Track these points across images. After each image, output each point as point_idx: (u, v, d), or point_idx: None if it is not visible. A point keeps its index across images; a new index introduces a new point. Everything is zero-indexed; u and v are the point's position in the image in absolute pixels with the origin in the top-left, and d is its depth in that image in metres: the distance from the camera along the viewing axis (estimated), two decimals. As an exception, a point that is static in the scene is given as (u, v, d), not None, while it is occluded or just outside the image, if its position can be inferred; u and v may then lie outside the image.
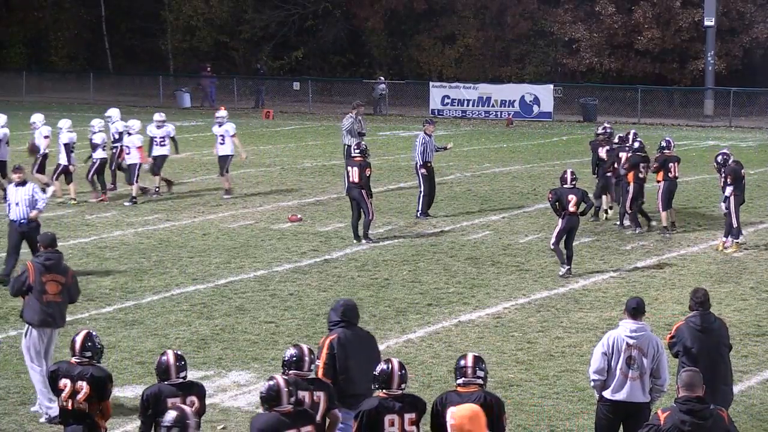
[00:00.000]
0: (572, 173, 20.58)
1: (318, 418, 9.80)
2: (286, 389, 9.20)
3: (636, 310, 11.37)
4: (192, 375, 14.66)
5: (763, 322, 17.53)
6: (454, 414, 9.00)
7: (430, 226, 24.91)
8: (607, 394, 11.23)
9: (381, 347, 15.86)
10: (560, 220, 20.31)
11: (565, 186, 20.33)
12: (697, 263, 21.56)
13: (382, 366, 9.69)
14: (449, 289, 19.49)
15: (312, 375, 10.11)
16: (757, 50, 56.79)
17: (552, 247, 20.49)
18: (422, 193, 25.79)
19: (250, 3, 65.29)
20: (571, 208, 20.08)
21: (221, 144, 28.68)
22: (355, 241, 22.93)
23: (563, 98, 54.28)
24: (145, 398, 10.01)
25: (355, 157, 22.96)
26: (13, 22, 69.67)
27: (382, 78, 57.42)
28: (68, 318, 17.28)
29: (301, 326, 17.02)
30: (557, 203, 20.25)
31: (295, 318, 17.49)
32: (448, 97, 54.03)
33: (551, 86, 53.88)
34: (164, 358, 10.10)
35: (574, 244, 20.60)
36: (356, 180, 22.65)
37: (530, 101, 52.79)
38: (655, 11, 56.02)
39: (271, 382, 9.25)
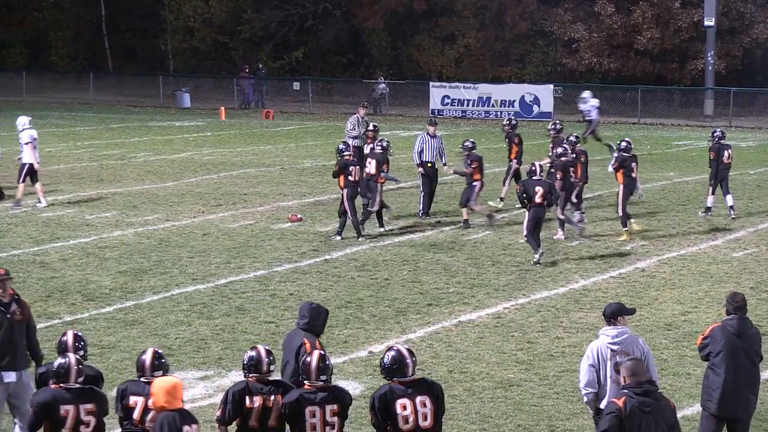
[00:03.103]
0: (540, 167, 21.52)
1: (274, 421, 9.93)
2: (76, 368, 9.87)
3: (613, 316, 11.26)
4: (192, 375, 14.72)
5: (763, 322, 17.52)
6: (152, 388, 9.52)
7: (430, 226, 24.90)
8: (602, 406, 10.99)
9: (380, 347, 15.92)
10: (527, 211, 21.12)
11: (533, 178, 21.16)
12: (697, 263, 21.56)
13: (305, 358, 9.97)
14: (449, 289, 19.48)
15: (273, 377, 10.19)
16: (757, 50, 56.82)
17: (525, 237, 21.29)
18: (422, 193, 25.79)
19: (250, 3, 65.29)
20: (538, 200, 20.93)
21: (22, 151, 26.93)
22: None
23: (563, 98, 54.29)
24: (116, 394, 10.21)
25: (348, 155, 23.57)
26: (13, 22, 69.68)
27: (382, 78, 57.42)
28: (68, 318, 17.39)
29: (301, 326, 17.01)
30: (524, 195, 21.10)
31: (295, 318, 17.44)
32: (448, 97, 54.04)
33: (551, 86, 53.90)
34: (144, 356, 10.23)
35: (573, 243, 20.67)
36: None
37: (530, 101, 52.81)
38: (655, 11, 56.04)
39: (63, 360, 9.90)
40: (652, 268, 21.18)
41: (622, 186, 23.38)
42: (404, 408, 9.71)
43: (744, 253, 22.48)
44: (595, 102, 39.55)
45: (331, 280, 19.93)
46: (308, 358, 9.93)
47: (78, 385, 9.87)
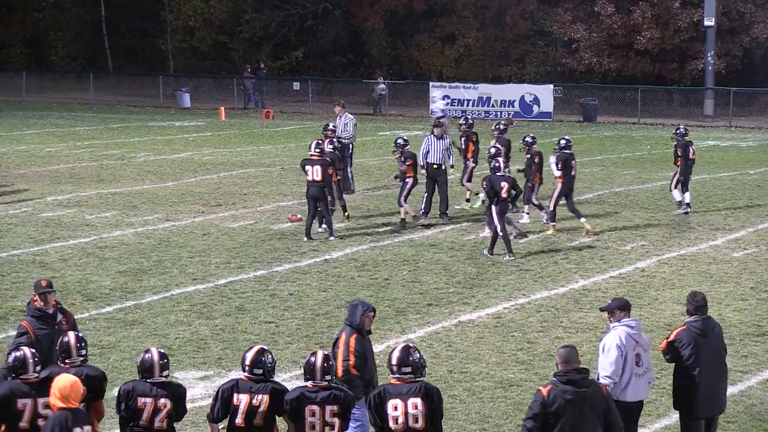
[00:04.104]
0: (504, 162, 22.32)
1: (260, 420, 9.97)
2: (32, 360, 9.92)
3: (629, 307, 11.38)
4: (192, 375, 14.73)
5: (763, 322, 17.54)
6: (52, 387, 9.50)
7: (427, 226, 24.88)
8: (619, 397, 10.94)
9: (380, 347, 15.92)
10: (494, 206, 21.56)
11: (497, 174, 21.77)
12: (697, 263, 21.57)
13: (309, 357, 10.04)
14: (449, 289, 19.49)
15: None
16: (757, 50, 56.80)
17: (500, 234, 21.54)
18: (426, 194, 25.69)
19: (250, 3, 65.29)
20: (504, 194, 21.57)
21: None
22: (332, 238, 23.10)
23: (563, 98, 54.30)
24: (118, 394, 10.20)
25: (314, 155, 23.20)
26: (13, 22, 69.66)
27: (382, 78, 57.42)
28: (68, 318, 17.37)
29: (301, 326, 17.02)
30: (492, 190, 21.58)
31: (295, 318, 17.50)
32: (448, 97, 54.01)
33: (551, 86, 53.90)
34: (148, 355, 10.16)
35: (573, 243, 20.66)
36: (318, 179, 22.83)
37: (530, 101, 52.80)
38: (655, 11, 56.04)
39: (18, 353, 9.93)
40: (652, 268, 21.18)
41: (560, 184, 23.87)
42: (395, 408, 9.79)
43: (744, 253, 22.49)
44: (441, 104, 40.23)
45: (331, 280, 19.93)
46: (312, 359, 10.00)
47: (36, 376, 9.88)
